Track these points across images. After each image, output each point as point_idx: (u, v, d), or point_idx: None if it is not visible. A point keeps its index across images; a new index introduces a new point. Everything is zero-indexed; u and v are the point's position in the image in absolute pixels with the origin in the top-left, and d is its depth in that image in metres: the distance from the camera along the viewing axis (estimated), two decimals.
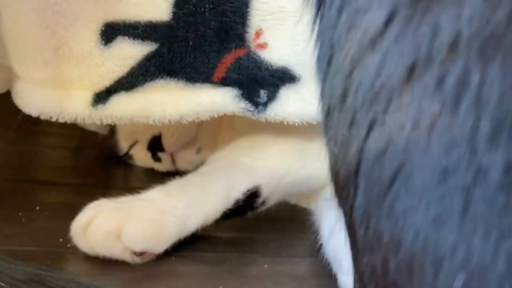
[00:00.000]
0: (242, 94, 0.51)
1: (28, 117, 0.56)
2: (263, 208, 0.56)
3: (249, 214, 0.55)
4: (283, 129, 0.55)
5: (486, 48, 0.18)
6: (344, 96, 0.25)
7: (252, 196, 0.54)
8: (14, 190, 0.60)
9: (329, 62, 0.26)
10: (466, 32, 0.18)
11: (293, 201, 0.61)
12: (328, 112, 0.28)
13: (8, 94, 0.59)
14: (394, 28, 0.20)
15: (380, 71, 0.22)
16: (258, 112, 0.51)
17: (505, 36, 0.18)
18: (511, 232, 0.18)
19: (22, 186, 0.61)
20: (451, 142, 0.19)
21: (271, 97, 0.51)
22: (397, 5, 0.20)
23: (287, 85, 0.51)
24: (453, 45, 0.19)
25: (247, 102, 0.51)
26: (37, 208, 0.56)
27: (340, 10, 0.23)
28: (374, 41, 0.22)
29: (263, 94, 0.51)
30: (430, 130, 0.20)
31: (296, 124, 0.51)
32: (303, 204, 0.61)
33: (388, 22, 0.21)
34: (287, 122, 0.52)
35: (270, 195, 0.55)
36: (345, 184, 0.28)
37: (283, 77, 0.51)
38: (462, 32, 0.18)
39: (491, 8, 0.18)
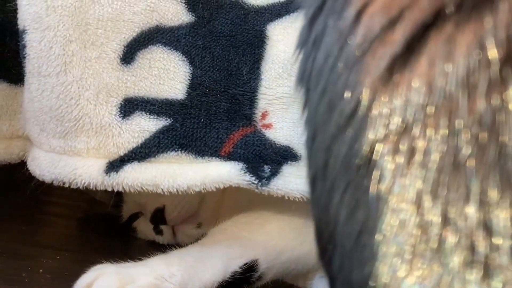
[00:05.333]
0: (247, 168, 0.58)
1: (41, 184, 0.63)
2: (259, 284, 0.61)
3: None
4: (283, 207, 0.62)
5: (427, 124, 0.26)
6: (325, 166, 0.32)
7: (249, 270, 0.59)
8: (19, 253, 0.66)
9: (313, 139, 0.34)
10: (410, 115, 0.26)
11: (289, 280, 0.66)
12: (313, 181, 0.35)
13: (21, 164, 0.66)
14: (362, 111, 0.28)
15: (352, 144, 0.29)
16: (262, 185, 0.58)
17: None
18: None
19: (28, 250, 0.67)
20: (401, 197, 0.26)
21: (274, 172, 0.58)
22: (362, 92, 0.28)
23: (289, 162, 0.59)
24: (403, 123, 0.26)
25: (251, 175, 0.58)
26: (40, 270, 0.62)
27: (323, 94, 0.31)
28: (348, 120, 0.29)
29: (266, 169, 0.58)
30: (389, 188, 0.27)
31: (297, 199, 0.58)
32: (300, 283, 0.66)
33: (356, 107, 0.28)
34: (288, 197, 0.58)
35: (267, 271, 0.61)
36: (326, 244, 0.35)
37: (286, 155, 0.59)
38: (407, 114, 0.26)
39: (421, 95, 0.26)
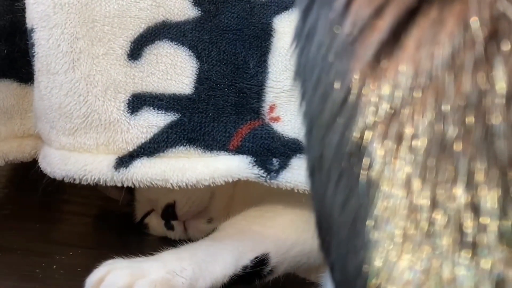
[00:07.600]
0: (255, 161, 0.59)
1: (52, 182, 0.65)
2: (270, 278, 0.62)
3: (257, 282, 0.62)
4: (293, 200, 0.62)
5: (415, 107, 0.26)
6: (320, 157, 0.33)
7: (260, 263, 0.60)
8: (33, 249, 0.68)
9: (310, 131, 0.35)
10: (398, 100, 0.27)
11: (302, 274, 0.67)
12: (312, 173, 0.36)
13: (34, 162, 0.68)
14: (352, 98, 0.29)
15: (344, 132, 0.30)
16: (270, 178, 0.58)
17: None
18: None
19: (41, 247, 0.69)
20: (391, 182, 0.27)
21: (283, 165, 0.59)
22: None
23: (298, 155, 0.59)
24: (392, 109, 0.27)
25: (260, 168, 0.59)
26: (54, 267, 0.64)
27: (317, 84, 0.32)
28: (339, 108, 0.30)
29: (275, 162, 0.59)
30: (380, 174, 0.28)
31: (306, 192, 0.58)
32: (312, 278, 0.66)
33: (346, 95, 0.29)
34: (298, 190, 0.59)
35: (279, 264, 0.62)
36: (325, 235, 0.35)
37: (294, 148, 0.60)
38: (395, 99, 0.27)
39: (408, 79, 0.26)
